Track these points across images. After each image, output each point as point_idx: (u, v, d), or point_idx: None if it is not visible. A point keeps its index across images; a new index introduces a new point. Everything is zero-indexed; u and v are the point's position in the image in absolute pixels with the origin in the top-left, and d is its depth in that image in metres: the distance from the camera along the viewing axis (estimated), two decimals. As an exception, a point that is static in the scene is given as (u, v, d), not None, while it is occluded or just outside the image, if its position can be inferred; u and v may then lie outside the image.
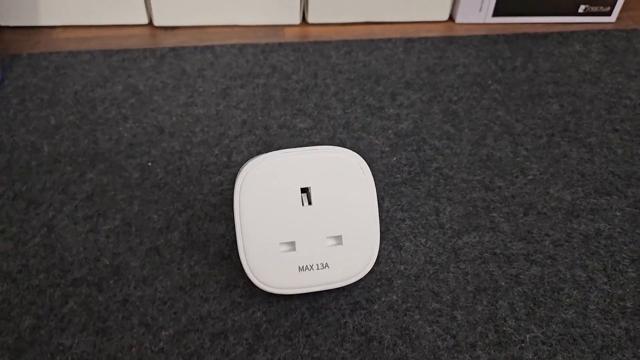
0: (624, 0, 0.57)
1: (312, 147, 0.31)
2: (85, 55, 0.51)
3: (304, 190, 0.30)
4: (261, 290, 0.33)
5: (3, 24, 0.55)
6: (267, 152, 0.42)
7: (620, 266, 0.35)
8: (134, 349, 0.30)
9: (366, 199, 0.30)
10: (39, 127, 0.44)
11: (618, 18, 0.58)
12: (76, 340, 0.31)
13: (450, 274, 0.34)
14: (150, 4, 0.54)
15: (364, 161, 0.31)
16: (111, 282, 0.34)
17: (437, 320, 0.32)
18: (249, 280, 0.34)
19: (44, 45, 0.53)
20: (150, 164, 0.41)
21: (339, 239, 0.30)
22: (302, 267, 0.30)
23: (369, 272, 0.34)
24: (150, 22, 0.56)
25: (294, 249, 0.30)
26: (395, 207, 0.38)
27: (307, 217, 0.30)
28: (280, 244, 0.30)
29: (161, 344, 0.31)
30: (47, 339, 0.31)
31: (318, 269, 0.30)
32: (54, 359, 0.30)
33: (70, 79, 0.49)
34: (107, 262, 0.35)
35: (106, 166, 0.41)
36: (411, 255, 0.35)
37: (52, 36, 0.54)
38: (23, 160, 0.41)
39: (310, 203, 0.30)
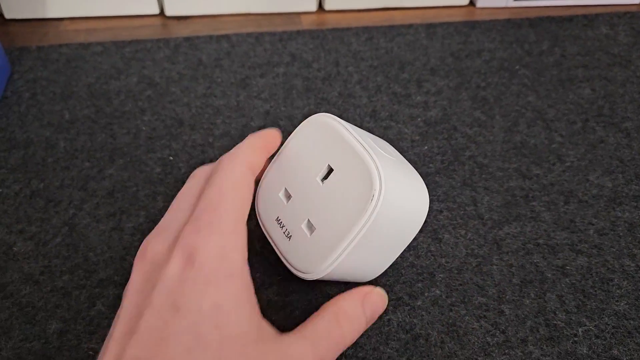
0: (648, -19, 0.55)
1: (380, 142, 0.30)
2: (96, 47, 0.49)
3: (330, 170, 0.28)
4: (299, 286, 0.32)
5: (9, 17, 0.53)
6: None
7: (670, 254, 0.34)
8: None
9: (358, 221, 0.26)
10: (53, 122, 0.42)
11: (643, -1, 0.56)
12: (107, 345, 0.29)
13: (494, 267, 0.33)
14: (161, -8, 0.53)
15: (384, 190, 0.26)
16: (139, 282, 0.32)
17: (484, 315, 0.31)
18: (285, 278, 0.32)
19: (53, 37, 0.51)
20: (171, 158, 0.39)
21: (311, 228, 0.28)
22: (278, 219, 0.30)
23: (409, 266, 0.33)
24: (162, 12, 0.54)
25: (286, 201, 0.29)
26: (431, 197, 0.37)
27: (312, 190, 0.29)
28: (285, 189, 0.30)
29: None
30: (76, 343, 0.29)
31: (284, 233, 0.29)
32: (84, 364, 0.28)
33: (82, 72, 0.47)
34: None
35: (126, 161, 0.39)
36: (452, 248, 0.34)
37: (59, 28, 0.52)
38: (39, 156, 0.39)
39: (323, 182, 0.28)
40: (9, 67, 0.46)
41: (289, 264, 0.29)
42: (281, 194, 0.30)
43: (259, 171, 0.28)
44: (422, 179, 0.30)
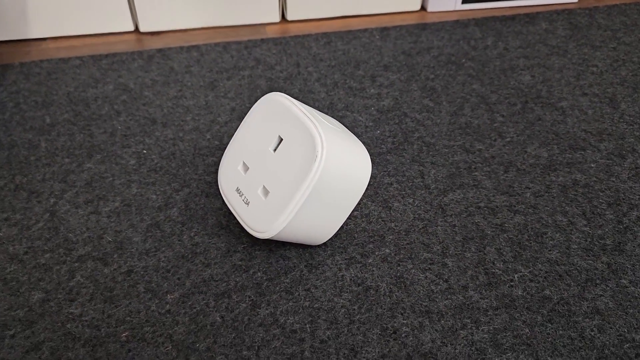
0: (584, -19, 0.60)
1: (329, 119, 0.34)
2: (75, 61, 0.53)
3: (280, 140, 0.32)
4: (260, 252, 0.35)
5: (-7, 38, 0.57)
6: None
7: (598, 210, 0.37)
8: (141, 313, 0.32)
9: (304, 182, 0.30)
10: (35, 126, 0.45)
11: (580, -2, 0.61)
12: (85, 309, 0.32)
13: (439, 227, 0.36)
14: (135, 11, 0.57)
15: (323, 151, 0.30)
16: (115, 256, 0.35)
17: (429, 268, 0.34)
18: (248, 245, 0.35)
19: (35, 55, 0.55)
20: (145, 151, 0.43)
21: (266, 193, 0.32)
22: (238, 189, 0.33)
23: (362, 230, 0.36)
24: (137, 29, 0.58)
25: (244, 172, 0.34)
26: (382, 173, 0.40)
27: (266, 159, 0.33)
28: (243, 163, 0.34)
29: (167, 306, 0.32)
30: (57, 309, 0.32)
31: (243, 201, 0.33)
32: (64, 326, 0.31)
33: (62, 82, 0.50)
34: (110, 239, 0.36)
35: (103, 156, 0.42)
36: (400, 214, 0.37)
37: (42, 47, 0.56)
38: (22, 155, 0.43)
39: (275, 151, 0.32)
40: (-6, 81, 0.50)
41: (248, 226, 0.32)
42: (240, 167, 0.34)
43: None
44: (364, 147, 0.34)
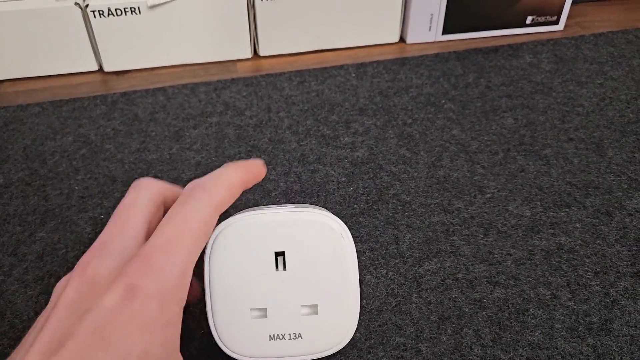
0: (569, 7, 0.57)
1: (291, 205, 0.29)
2: (34, 108, 0.50)
3: (279, 254, 0.28)
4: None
5: (-51, 82, 0.54)
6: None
7: (584, 280, 0.35)
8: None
9: (345, 265, 0.28)
10: (-13, 188, 0.43)
11: (566, 26, 0.59)
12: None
13: (413, 305, 0.34)
14: (98, 50, 0.54)
15: (344, 224, 0.28)
16: (64, 346, 0.32)
17: (401, 356, 0.31)
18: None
19: (-8, 101, 0.52)
20: (102, 216, 0.40)
21: (314, 308, 0.28)
22: (273, 335, 0.28)
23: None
24: (101, 68, 0.56)
25: (265, 316, 0.28)
26: (354, 239, 0.38)
27: (281, 283, 0.28)
28: (251, 309, 0.28)
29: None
30: (-2, 414, 0.30)
31: (290, 338, 0.28)
32: None
33: (19, 134, 0.48)
34: (60, 325, 0.33)
35: (57, 223, 0.40)
36: (372, 289, 0.35)
37: (0, 90, 0.53)
38: (-29, 224, 0.40)
39: (285, 268, 0.28)
40: (-54, 134, 0.47)
41: (322, 351, 0.29)
42: (254, 315, 0.28)
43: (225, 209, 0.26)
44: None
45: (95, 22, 0.52)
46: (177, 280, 0.23)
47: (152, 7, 0.51)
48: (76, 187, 0.42)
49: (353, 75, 0.53)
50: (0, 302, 0.35)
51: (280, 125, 0.47)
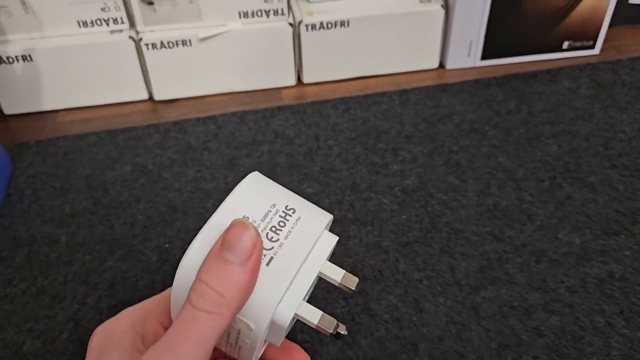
0: (605, 31, 0.59)
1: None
2: (91, 138, 0.52)
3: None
4: None
5: (8, 112, 0.56)
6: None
7: (637, 307, 0.36)
8: None
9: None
10: (54, 217, 0.45)
11: (602, 50, 0.60)
12: None
13: (473, 332, 0.35)
14: (149, 79, 0.56)
15: None
16: (143, 373, 0.34)
17: (465, 383, 0.33)
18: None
19: (50, 130, 0.54)
20: (167, 245, 0.42)
21: None
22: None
23: (393, 337, 0.35)
24: (151, 97, 0.58)
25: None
26: (411, 267, 0.39)
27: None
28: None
29: None
30: None
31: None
32: None
33: (79, 164, 0.50)
34: (137, 353, 0.35)
35: (124, 252, 0.42)
36: (432, 317, 0.36)
37: (57, 120, 0.56)
38: (42, 253, 0.42)
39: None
40: (11, 165, 0.49)
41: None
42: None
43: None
44: None
45: (148, 54, 0.54)
46: None
47: (203, 39, 0.54)
48: (139, 217, 0.44)
49: (396, 102, 0.54)
50: (79, 330, 0.37)
51: (329, 153, 0.49)
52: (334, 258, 0.30)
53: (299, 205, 0.27)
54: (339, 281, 0.27)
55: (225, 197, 0.26)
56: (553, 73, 0.57)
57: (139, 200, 0.46)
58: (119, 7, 0.53)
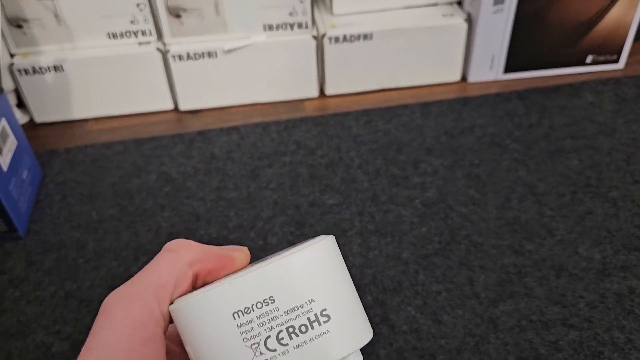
0: (630, 45, 0.58)
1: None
2: (118, 146, 0.54)
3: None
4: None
5: (39, 120, 0.58)
6: (299, 231, 0.44)
7: (657, 324, 0.36)
8: None
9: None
10: (82, 223, 0.46)
11: (626, 64, 0.60)
12: None
13: (491, 345, 0.35)
14: (175, 90, 0.57)
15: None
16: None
17: (483, 395, 0.33)
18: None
19: (79, 138, 0.56)
20: (190, 252, 0.43)
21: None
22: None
23: (412, 348, 0.35)
24: (176, 107, 0.59)
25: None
26: (430, 279, 0.40)
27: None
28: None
29: None
30: None
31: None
32: None
33: (106, 171, 0.51)
34: (160, 358, 0.36)
35: (149, 258, 0.42)
36: (450, 329, 0.36)
37: (85, 129, 0.57)
38: (70, 257, 0.43)
39: None
40: (41, 171, 0.51)
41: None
42: None
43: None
44: None
45: (175, 65, 0.55)
46: None
47: (229, 51, 0.55)
48: (163, 224, 0.45)
49: (418, 114, 0.55)
50: (104, 334, 0.38)
51: (350, 164, 0.50)
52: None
53: (341, 313, 0.22)
54: None
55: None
56: (576, 87, 0.57)
57: (164, 208, 0.47)
58: (148, 20, 0.54)
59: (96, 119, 0.59)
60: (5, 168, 0.44)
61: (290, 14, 0.54)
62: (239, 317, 0.21)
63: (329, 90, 0.59)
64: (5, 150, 0.45)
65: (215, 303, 0.21)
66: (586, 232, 0.42)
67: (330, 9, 0.58)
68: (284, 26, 0.55)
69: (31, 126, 0.58)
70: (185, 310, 0.21)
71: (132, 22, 0.54)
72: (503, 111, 0.54)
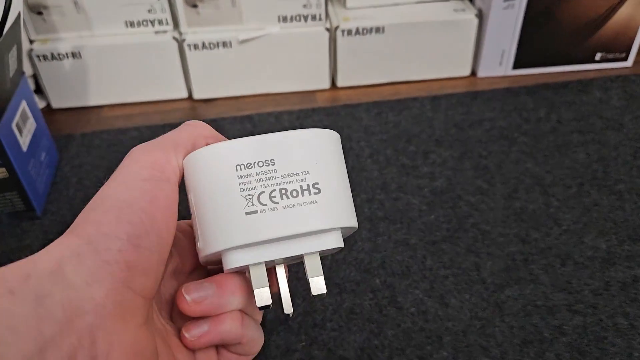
0: (639, 45, 0.59)
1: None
2: (133, 132, 0.55)
3: None
4: (319, 352, 0.35)
5: (55, 106, 0.59)
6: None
7: (660, 312, 0.37)
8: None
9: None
10: (97, 205, 0.47)
11: (635, 62, 0.60)
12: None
13: (497, 328, 0.36)
14: (190, 78, 0.58)
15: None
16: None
17: (488, 375, 0.34)
18: (307, 344, 0.36)
19: (95, 124, 0.57)
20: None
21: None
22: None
23: (419, 330, 0.36)
24: (190, 96, 0.60)
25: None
26: (437, 264, 0.40)
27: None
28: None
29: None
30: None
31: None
32: None
33: (121, 156, 0.51)
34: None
35: (163, 239, 0.44)
36: (457, 312, 0.37)
37: (101, 115, 0.59)
38: (86, 237, 0.44)
39: None
40: (57, 155, 0.52)
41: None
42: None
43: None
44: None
45: (190, 54, 0.56)
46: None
47: (243, 41, 0.56)
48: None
49: (428, 107, 0.56)
50: (119, 309, 0.39)
51: (361, 154, 0.51)
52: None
53: (330, 191, 0.24)
54: (308, 277, 0.24)
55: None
56: (584, 83, 0.58)
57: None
58: (165, 9, 0.56)
59: (112, 106, 0.60)
60: (25, 148, 0.45)
61: (305, 5, 0.56)
62: (241, 169, 0.24)
63: (340, 82, 0.60)
64: (25, 132, 0.46)
65: (224, 153, 0.24)
66: (592, 223, 0.43)
67: (343, 3, 0.59)
68: (297, 18, 0.56)
69: (48, 111, 0.59)
70: (196, 159, 0.25)
71: (149, 11, 0.55)
72: (512, 105, 0.55)
